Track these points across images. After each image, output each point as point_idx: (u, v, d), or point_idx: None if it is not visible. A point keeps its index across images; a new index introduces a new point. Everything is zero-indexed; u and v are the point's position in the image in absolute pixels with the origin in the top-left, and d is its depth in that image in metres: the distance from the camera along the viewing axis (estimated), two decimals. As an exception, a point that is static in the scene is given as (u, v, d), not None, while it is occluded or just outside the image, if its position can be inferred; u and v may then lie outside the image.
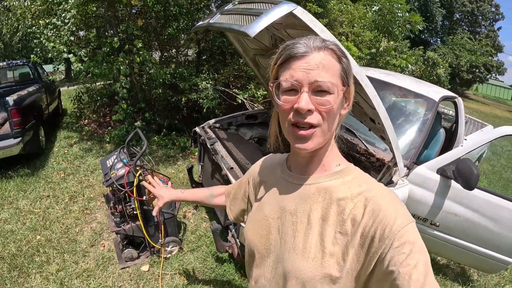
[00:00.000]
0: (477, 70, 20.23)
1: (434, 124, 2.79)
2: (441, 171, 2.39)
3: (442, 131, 3.17)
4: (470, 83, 22.48)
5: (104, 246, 2.77)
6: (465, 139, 3.69)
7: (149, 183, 1.27)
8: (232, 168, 2.45)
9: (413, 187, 2.38)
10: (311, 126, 0.65)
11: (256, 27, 1.21)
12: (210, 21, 1.73)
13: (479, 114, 12.09)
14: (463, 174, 2.15)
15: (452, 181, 2.35)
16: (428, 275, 0.55)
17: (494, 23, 28.09)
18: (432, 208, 2.42)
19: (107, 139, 4.87)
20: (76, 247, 2.74)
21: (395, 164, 2.30)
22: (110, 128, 5.36)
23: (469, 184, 2.12)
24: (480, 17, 26.26)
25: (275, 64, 0.68)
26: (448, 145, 3.29)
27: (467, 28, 26.16)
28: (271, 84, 0.68)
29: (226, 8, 1.73)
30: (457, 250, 2.51)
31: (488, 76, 23.01)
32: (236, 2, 1.71)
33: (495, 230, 2.35)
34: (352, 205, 0.65)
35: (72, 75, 10.91)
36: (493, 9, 27.13)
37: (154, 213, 1.23)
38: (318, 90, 0.63)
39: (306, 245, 0.68)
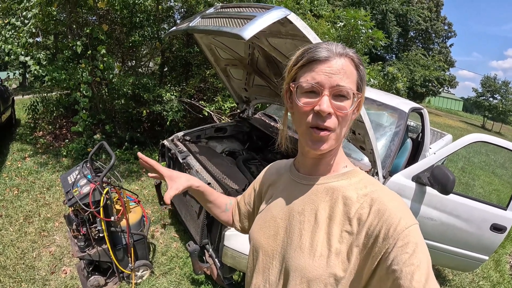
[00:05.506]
0: (430, 84, 21.90)
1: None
2: (416, 178, 2.44)
3: (409, 141, 3.28)
4: (423, 96, 24.25)
5: (66, 273, 2.47)
6: (430, 148, 3.89)
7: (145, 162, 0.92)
8: (209, 183, 2.29)
9: (390, 195, 2.41)
10: (328, 129, 0.65)
11: (250, 30, 1.15)
12: (190, 25, 1.62)
13: (434, 125, 12.88)
14: (439, 180, 2.22)
15: (427, 187, 2.42)
16: (429, 277, 0.55)
17: (446, 40, 30.94)
18: (409, 215, 2.46)
19: (64, 153, 4.51)
20: (34, 274, 2.43)
21: (375, 174, 2.32)
22: (67, 140, 4.99)
23: (445, 189, 2.18)
24: (434, 35, 28.67)
25: (295, 66, 0.68)
26: (415, 154, 3.42)
27: (421, 45, 28.40)
28: (292, 85, 0.68)
29: (207, 12, 1.63)
30: (435, 253, 2.57)
31: (440, 90, 25.00)
32: (219, 7, 1.63)
33: (468, 230, 2.44)
34: (358, 205, 0.66)
35: (27, 83, 10.04)
36: (446, 27, 29.75)
37: (167, 200, 0.83)
38: (337, 95, 0.65)
39: (313, 243, 0.68)
